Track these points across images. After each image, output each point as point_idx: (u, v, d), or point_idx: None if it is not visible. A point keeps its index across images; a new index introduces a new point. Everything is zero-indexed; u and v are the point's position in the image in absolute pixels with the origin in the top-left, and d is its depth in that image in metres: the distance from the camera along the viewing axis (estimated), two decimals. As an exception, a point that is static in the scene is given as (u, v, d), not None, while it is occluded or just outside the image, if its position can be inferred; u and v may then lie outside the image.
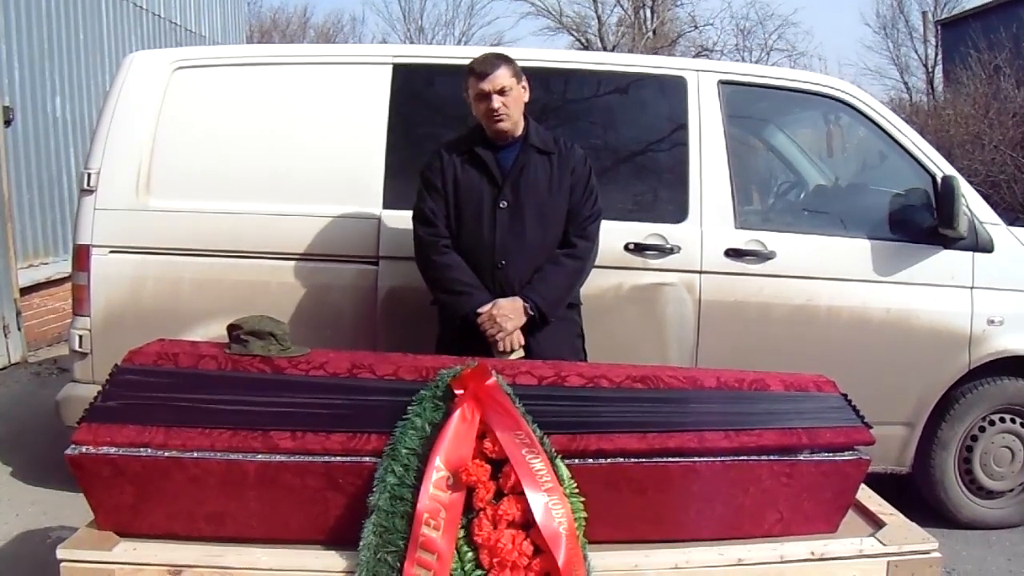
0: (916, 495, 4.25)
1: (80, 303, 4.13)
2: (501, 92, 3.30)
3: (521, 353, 3.29)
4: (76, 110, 8.46)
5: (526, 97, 3.42)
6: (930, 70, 25.86)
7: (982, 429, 4.35)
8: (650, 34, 27.58)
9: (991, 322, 4.20)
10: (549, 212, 3.38)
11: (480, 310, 3.28)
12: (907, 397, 4.21)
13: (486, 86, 3.30)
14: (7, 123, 7.33)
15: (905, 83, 26.59)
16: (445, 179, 3.40)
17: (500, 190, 3.37)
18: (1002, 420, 4.36)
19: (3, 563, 3.86)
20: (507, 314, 3.27)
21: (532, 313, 3.30)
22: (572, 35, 28.57)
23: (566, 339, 3.47)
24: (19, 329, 7.40)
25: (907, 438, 4.27)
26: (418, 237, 3.44)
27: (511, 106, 3.33)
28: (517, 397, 2.55)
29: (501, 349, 3.27)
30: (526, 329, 3.32)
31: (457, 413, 2.46)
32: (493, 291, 3.33)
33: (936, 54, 25.24)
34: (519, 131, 3.41)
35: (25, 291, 7.53)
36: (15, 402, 6.28)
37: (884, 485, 3.12)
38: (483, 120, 3.38)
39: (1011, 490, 4.45)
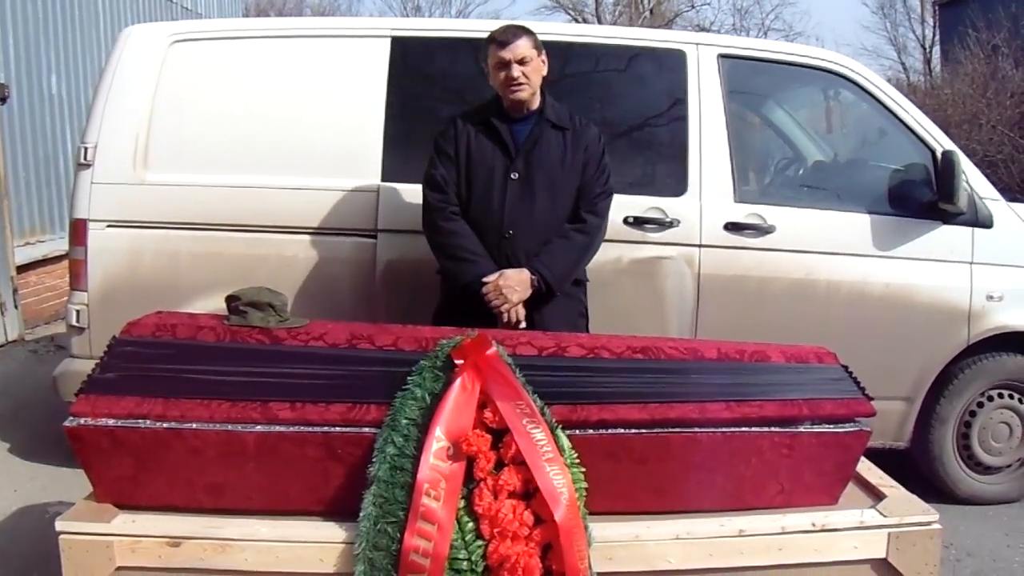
0: (914, 470, 4.25)
1: (77, 278, 4.13)
2: (521, 62, 3.28)
3: (524, 326, 3.28)
4: (72, 88, 8.41)
5: (545, 71, 3.40)
6: (927, 50, 25.80)
7: (980, 405, 4.36)
8: (647, 13, 27.51)
9: (990, 298, 4.20)
10: (560, 186, 3.37)
11: (486, 280, 3.26)
12: (906, 372, 4.21)
13: (506, 55, 3.28)
14: (2, 101, 7.28)
15: (902, 63, 26.55)
16: (458, 147, 3.39)
17: (512, 162, 3.35)
18: (1000, 396, 4.38)
19: (2, 537, 3.87)
20: (513, 286, 3.26)
21: (539, 286, 3.29)
22: (569, 14, 28.51)
23: (569, 316, 3.45)
24: (16, 307, 7.38)
25: (906, 413, 4.27)
26: (427, 202, 3.43)
27: (530, 76, 3.31)
28: (517, 368, 2.55)
29: (505, 321, 3.25)
30: (530, 303, 3.31)
31: (457, 383, 2.45)
32: (499, 261, 3.31)
33: (934, 34, 25.18)
34: (536, 104, 3.40)
35: (22, 269, 7.50)
36: (12, 379, 6.26)
37: (880, 460, 3.11)
38: (501, 89, 3.36)
39: (1009, 466, 4.46)
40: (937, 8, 24.40)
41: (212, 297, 3.81)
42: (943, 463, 4.37)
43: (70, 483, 3.78)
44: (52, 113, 8.12)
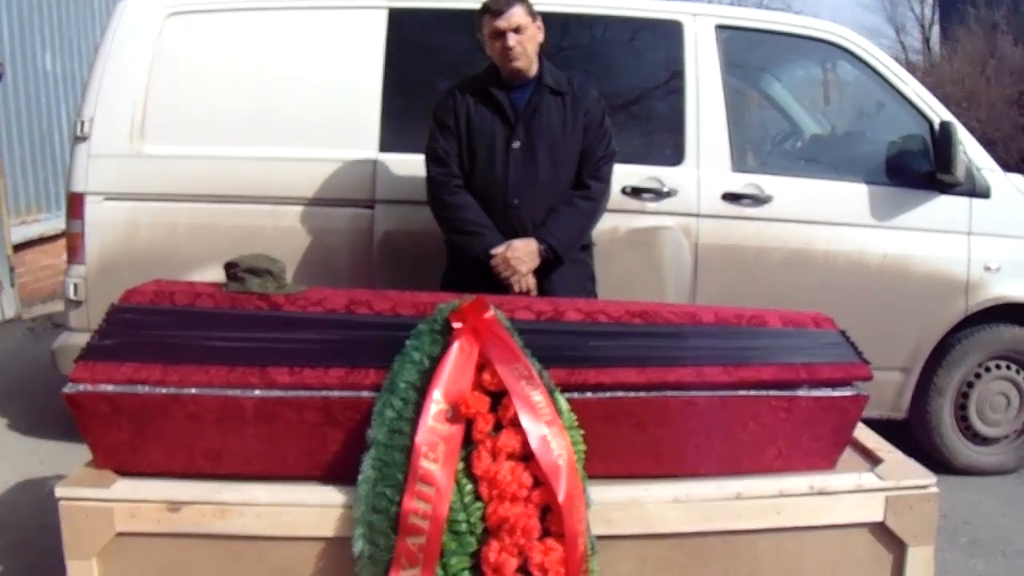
0: (911, 441, 4.26)
1: (75, 251, 4.13)
2: (517, 30, 3.26)
3: (535, 295, 3.28)
4: (67, 66, 8.39)
5: (540, 37, 3.38)
6: (926, 29, 25.71)
7: (978, 375, 4.38)
8: (645, -5, 27.41)
9: (988, 268, 4.21)
10: (562, 152, 3.36)
11: (494, 251, 3.27)
12: (904, 343, 4.23)
13: (502, 24, 3.25)
14: (-3, 79, 7.29)
15: (901, 43, 26.43)
16: (458, 119, 3.37)
17: (513, 130, 3.34)
18: (998, 367, 4.40)
19: (1, 511, 3.88)
20: (521, 256, 3.26)
21: (547, 255, 3.30)
22: None
23: (578, 281, 3.47)
24: (12, 286, 7.38)
25: (903, 384, 4.29)
26: (430, 177, 3.42)
27: (527, 44, 3.29)
28: (516, 331, 2.54)
29: (516, 291, 3.25)
30: (538, 270, 3.31)
31: (456, 346, 2.44)
32: (506, 231, 3.32)
33: (933, 13, 25.07)
34: (533, 71, 3.38)
35: (18, 248, 7.50)
36: (10, 357, 6.28)
37: (879, 431, 3.11)
38: (498, 59, 3.34)
39: (1006, 436, 4.49)
40: (936, -13, 24.30)
41: (210, 268, 3.79)
42: (941, 434, 4.38)
43: (68, 457, 3.79)
44: (47, 91, 8.11)
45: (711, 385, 2.60)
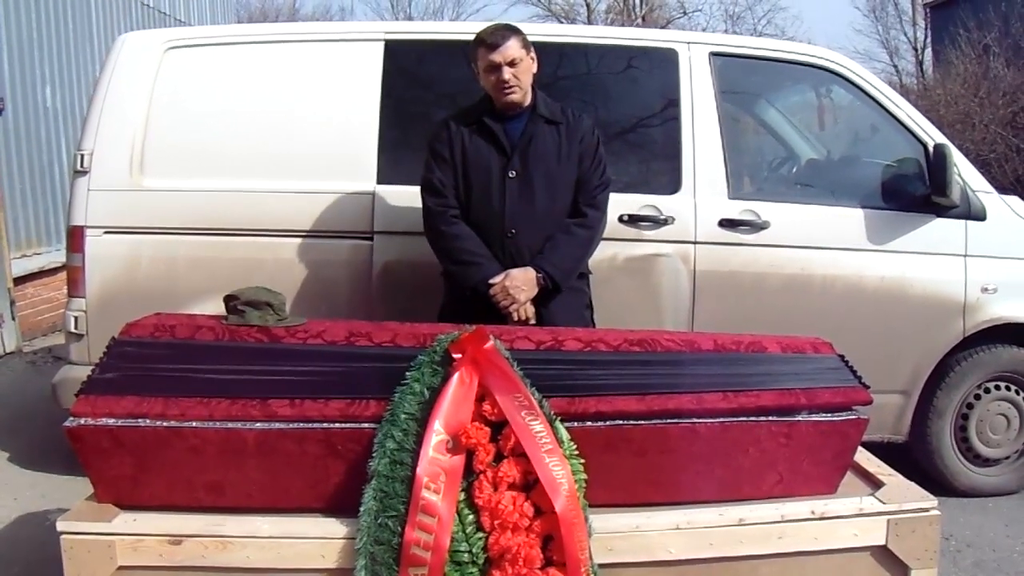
0: (912, 464, 4.25)
1: (75, 285, 4.13)
2: (511, 64, 3.28)
3: (533, 323, 3.29)
4: (67, 100, 8.45)
5: (535, 68, 3.40)
6: (919, 52, 25.87)
7: (977, 397, 4.38)
8: (639, 21, 27.59)
9: (985, 290, 4.21)
10: (558, 181, 3.38)
11: (492, 281, 3.27)
12: (903, 365, 4.23)
13: (496, 58, 3.28)
14: (-3, 113, 7.33)
15: (895, 66, 26.61)
16: (453, 150, 3.38)
17: (509, 160, 3.35)
18: (997, 388, 4.39)
19: (2, 544, 3.87)
20: (520, 285, 3.27)
21: (545, 283, 3.31)
22: (561, 23, 28.58)
23: (575, 309, 3.47)
24: (13, 319, 7.40)
25: (903, 406, 4.29)
26: (427, 208, 3.43)
27: (521, 77, 3.31)
28: (515, 361, 2.55)
29: (515, 320, 3.26)
30: (537, 299, 3.32)
31: (456, 377, 2.45)
32: (503, 261, 3.32)
33: (925, 36, 25.23)
34: (527, 102, 3.39)
35: (18, 281, 7.53)
36: (10, 390, 6.28)
37: (879, 455, 3.12)
38: (492, 92, 3.36)
39: (1007, 457, 4.48)
40: (928, 10, 24.45)
41: (210, 301, 3.78)
42: (941, 456, 4.38)
43: (69, 491, 3.79)
44: (47, 125, 8.16)
45: (711, 412, 2.61)
